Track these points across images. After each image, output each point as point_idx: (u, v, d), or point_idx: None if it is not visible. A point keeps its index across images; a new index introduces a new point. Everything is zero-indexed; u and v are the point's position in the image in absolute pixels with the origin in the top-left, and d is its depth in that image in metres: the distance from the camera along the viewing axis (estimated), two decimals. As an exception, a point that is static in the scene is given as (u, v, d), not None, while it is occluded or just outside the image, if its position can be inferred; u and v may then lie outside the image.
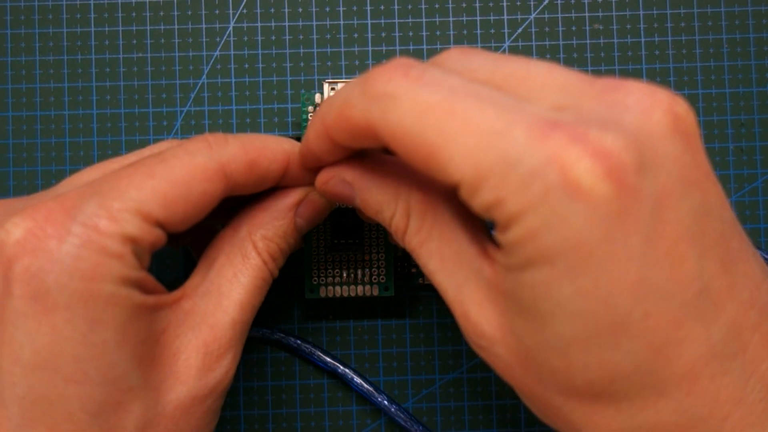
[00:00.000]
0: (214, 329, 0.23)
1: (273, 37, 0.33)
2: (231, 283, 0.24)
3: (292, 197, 0.25)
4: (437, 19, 0.33)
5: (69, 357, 0.20)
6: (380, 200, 0.23)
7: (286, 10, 0.33)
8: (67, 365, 0.20)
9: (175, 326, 0.23)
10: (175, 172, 0.22)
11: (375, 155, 0.24)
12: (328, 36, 0.33)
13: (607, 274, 0.17)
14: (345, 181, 0.24)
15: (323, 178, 0.24)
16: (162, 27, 0.33)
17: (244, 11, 0.33)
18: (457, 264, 0.22)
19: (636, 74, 0.33)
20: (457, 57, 0.21)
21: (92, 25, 0.33)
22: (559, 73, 0.20)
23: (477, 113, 0.18)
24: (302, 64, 0.33)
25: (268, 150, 0.24)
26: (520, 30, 0.33)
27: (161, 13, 0.33)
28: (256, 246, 0.24)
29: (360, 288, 0.31)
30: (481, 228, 0.22)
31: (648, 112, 0.19)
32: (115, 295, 0.20)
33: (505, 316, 0.20)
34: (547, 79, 0.20)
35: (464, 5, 0.33)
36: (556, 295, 0.18)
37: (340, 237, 0.30)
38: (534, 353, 0.19)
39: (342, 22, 0.33)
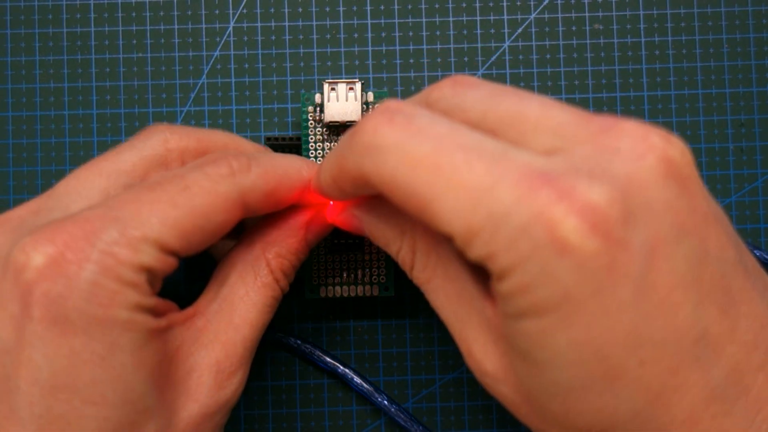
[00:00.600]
0: (226, 347, 0.23)
1: (273, 37, 0.33)
2: (243, 301, 0.24)
3: (304, 215, 0.26)
4: (437, 19, 0.33)
5: (87, 379, 0.20)
6: (387, 236, 0.23)
7: (286, 10, 0.33)
8: (85, 387, 0.20)
9: (188, 344, 0.23)
10: (196, 202, 0.22)
11: None
12: (328, 36, 0.33)
13: (599, 326, 0.18)
14: (355, 215, 0.24)
15: (334, 211, 0.25)
16: (162, 27, 0.33)
17: (244, 11, 0.33)
18: (460, 302, 0.22)
19: (636, 74, 0.33)
20: (450, 93, 0.21)
21: (92, 25, 0.33)
22: (553, 113, 0.20)
23: (465, 167, 0.18)
24: (302, 64, 0.33)
25: (287, 178, 0.24)
26: (520, 30, 0.33)
27: (161, 13, 0.33)
28: (270, 264, 0.25)
29: (360, 288, 0.31)
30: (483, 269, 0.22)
31: (640, 158, 0.18)
32: (130, 321, 0.20)
33: (506, 356, 0.20)
34: (540, 120, 0.20)
35: (464, 5, 0.33)
36: (551, 344, 0.18)
37: (340, 237, 0.30)
38: (534, 395, 0.20)
39: (342, 22, 0.33)
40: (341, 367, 0.31)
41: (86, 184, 0.23)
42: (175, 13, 0.33)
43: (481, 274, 0.22)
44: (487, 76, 0.33)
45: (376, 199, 0.24)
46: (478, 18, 0.33)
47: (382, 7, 0.33)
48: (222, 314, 0.24)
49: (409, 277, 0.23)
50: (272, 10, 0.33)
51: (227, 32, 0.33)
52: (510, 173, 0.18)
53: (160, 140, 0.25)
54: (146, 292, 0.21)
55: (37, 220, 0.22)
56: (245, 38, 0.33)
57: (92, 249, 0.20)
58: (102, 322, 0.20)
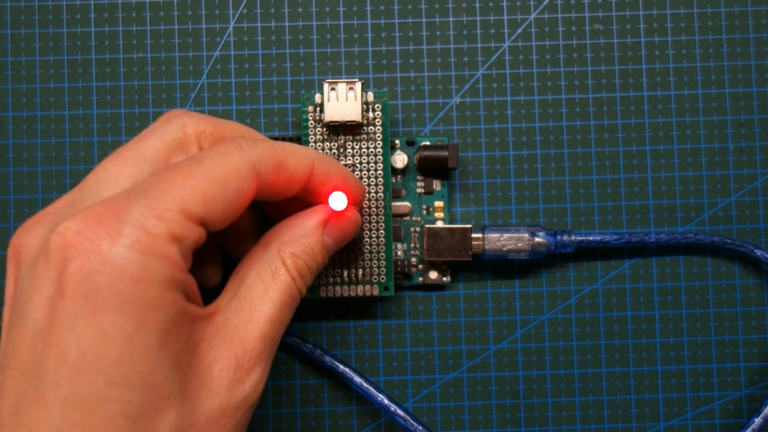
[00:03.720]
0: (245, 342, 0.24)
1: (273, 37, 0.33)
2: (262, 299, 0.24)
3: (319, 215, 0.26)
4: (437, 19, 0.33)
5: (113, 359, 0.20)
6: None
7: (286, 10, 0.33)
8: (110, 368, 0.20)
9: (209, 339, 0.23)
10: (211, 172, 0.23)
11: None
12: (328, 36, 0.33)
13: None
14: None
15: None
16: (162, 27, 0.33)
17: (244, 11, 0.33)
18: None
19: (636, 74, 0.33)
20: None
21: (92, 25, 0.33)
22: None
23: None
24: (302, 64, 0.33)
25: (294, 153, 0.25)
26: (520, 30, 0.33)
27: (161, 13, 0.33)
28: (285, 263, 0.25)
29: (360, 288, 0.31)
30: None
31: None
32: (160, 299, 0.21)
33: None
34: None
35: (464, 5, 0.33)
36: None
37: (340, 237, 0.30)
38: None
39: (342, 22, 0.33)
40: (341, 367, 0.31)
41: (114, 173, 0.24)
42: (175, 13, 0.33)
43: None
44: (487, 77, 0.33)
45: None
46: (478, 18, 0.33)
47: (382, 7, 0.33)
48: (241, 311, 0.24)
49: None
50: (272, 10, 0.33)
51: (227, 32, 0.33)
52: None
53: (178, 124, 0.26)
54: (178, 264, 0.21)
55: (71, 210, 0.23)
56: (245, 38, 0.33)
57: (123, 224, 0.21)
58: (132, 298, 0.20)
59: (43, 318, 0.20)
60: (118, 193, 0.22)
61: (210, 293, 0.27)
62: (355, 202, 0.28)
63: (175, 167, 0.23)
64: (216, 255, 0.29)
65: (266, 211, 0.30)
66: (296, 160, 0.25)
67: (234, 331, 0.24)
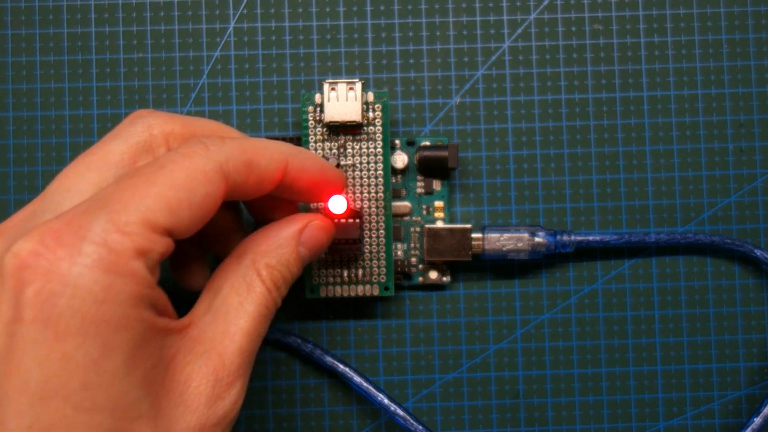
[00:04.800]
0: (223, 357, 0.23)
1: (273, 37, 0.33)
2: (237, 311, 0.24)
3: (294, 225, 0.25)
4: (437, 19, 0.33)
5: (78, 384, 0.19)
6: None
7: (286, 10, 0.33)
8: (76, 393, 0.19)
9: (184, 353, 0.22)
10: (175, 177, 0.21)
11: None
12: (328, 36, 0.33)
13: None
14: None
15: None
16: (162, 27, 0.33)
17: (244, 11, 0.33)
18: None
19: (636, 74, 0.33)
20: None
21: (92, 25, 0.33)
22: None
23: None
24: (302, 64, 0.33)
25: (265, 150, 0.24)
26: (520, 30, 0.33)
27: (161, 13, 0.33)
28: (260, 274, 0.24)
29: (360, 288, 0.31)
30: None
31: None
32: (126, 318, 0.20)
33: None
34: None
35: (464, 5, 0.33)
36: None
37: (340, 237, 0.30)
38: None
39: (342, 22, 0.33)
40: (341, 367, 0.31)
41: (76, 180, 0.23)
42: (176, 13, 0.33)
43: None
44: (487, 77, 0.33)
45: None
46: (478, 18, 0.33)
47: (382, 7, 0.33)
48: (216, 324, 0.23)
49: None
50: (272, 10, 0.33)
51: (227, 32, 0.33)
52: None
53: (144, 126, 0.24)
54: (144, 280, 0.20)
55: (30, 224, 0.22)
56: (245, 38, 0.33)
57: (83, 242, 0.19)
58: (96, 320, 0.19)
59: (2, 343, 0.19)
60: (77, 206, 0.21)
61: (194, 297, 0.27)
62: (338, 191, 0.27)
63: (137, 173, 0.21)
64: (200, 257, 0.28)
65: (246, 209, 0.29)
66: (267, 157, 0.24)
67: (210, 345, 0.23)
